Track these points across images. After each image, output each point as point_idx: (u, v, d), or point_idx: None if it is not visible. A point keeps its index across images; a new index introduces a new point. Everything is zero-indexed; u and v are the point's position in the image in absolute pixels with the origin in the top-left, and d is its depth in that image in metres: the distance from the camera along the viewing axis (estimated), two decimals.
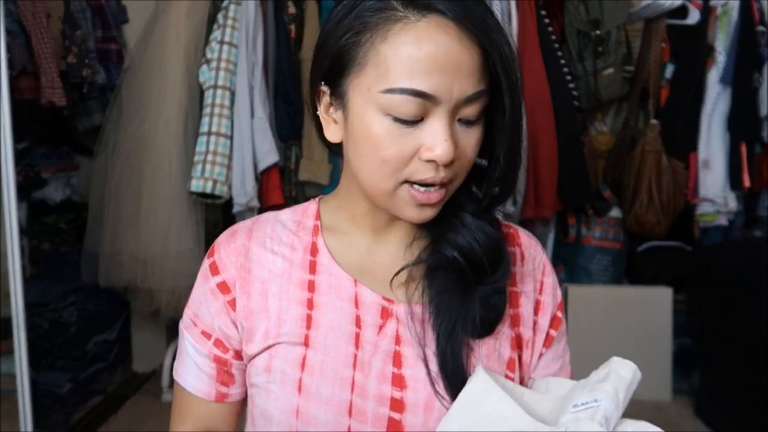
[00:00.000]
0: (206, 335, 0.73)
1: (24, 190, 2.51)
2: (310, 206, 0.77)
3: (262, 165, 2.17)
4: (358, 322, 0.68)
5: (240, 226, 0.76)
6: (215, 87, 2.13)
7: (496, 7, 2.27)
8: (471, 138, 0.64)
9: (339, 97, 0.67)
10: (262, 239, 0.74)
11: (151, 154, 2.19)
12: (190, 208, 2.19)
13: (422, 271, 0.69)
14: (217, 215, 2.32)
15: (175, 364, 0.77)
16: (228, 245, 0.74)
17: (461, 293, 0.67)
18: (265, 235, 0.74)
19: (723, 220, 2.70)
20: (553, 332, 0.75)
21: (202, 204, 2.21)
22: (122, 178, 2.23)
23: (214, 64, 2.15)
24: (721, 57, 2.61)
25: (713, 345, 2.49)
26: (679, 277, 2.74)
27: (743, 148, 2.63)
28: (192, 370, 0.74)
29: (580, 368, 0.71)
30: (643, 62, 2.68)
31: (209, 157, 2.11)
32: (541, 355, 0.75)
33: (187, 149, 2.18)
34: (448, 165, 0.63)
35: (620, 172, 2.70)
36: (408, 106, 0.61)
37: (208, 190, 2.10)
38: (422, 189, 0.64)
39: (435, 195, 0.64)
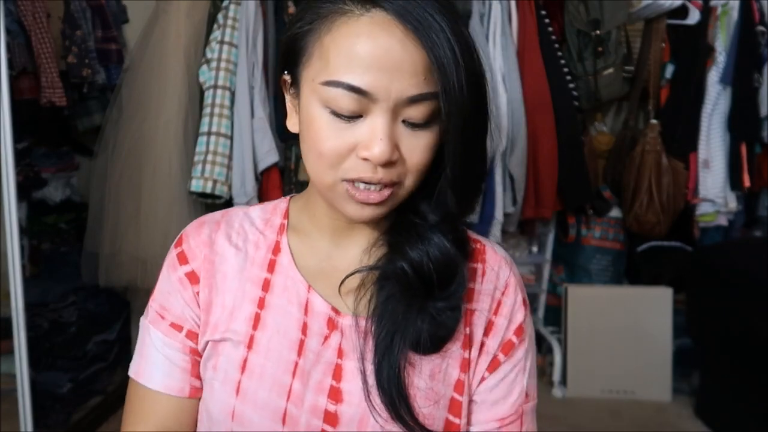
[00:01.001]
0: (176, 327, 0.71)
1: (24, 190, 2.51)
2: (281, 204, 0.76)
3: (262, 165, 2.17)
4: (304, 329, 0.68)
5: (208, 218, 0.75)
6: (215, 87, 2.13)
7: (496, 8, 2.27)
8: (418, 142, 0.62)
9: (296, 86, 0.66)
10: (229, 233, 0.73)
11: (151, 154, 2.19)
12: (190, 208, 2.19)
13: (373, 278, 0.67)
14: None
15: (134, 363, 0.73)
16: (197, 236, 0.73)
17: (405, 305, 0.64)
18: (232, 229, 0.73)
19: (723, 220, 2.70)
20: (501, 357, 0.70)
21: (202, 204, 2.21)
22: (122, 178, 2.23)
23: (214, 64, 2.15)
24: (721, 57, 2.61)
25: (713, 345, 2.49)
26: (679, 277, 2.74)
27: (743, 148, 2.64)
28: (161, 366, 0.71)
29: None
30: (643, 62, 2.68)
31: (209, 157, 2.11)
32: (483, 378, 0.70)
33: (187, 149, 2.18)
34: (387, 166, 0.61)
35: (620, 172, 2.70)
36: (344, 101, 0.59)
37: (208, 190, 2.10)
38: (362, 187, 0.62)
39: (376, 195, 0.62)
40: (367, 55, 0.58)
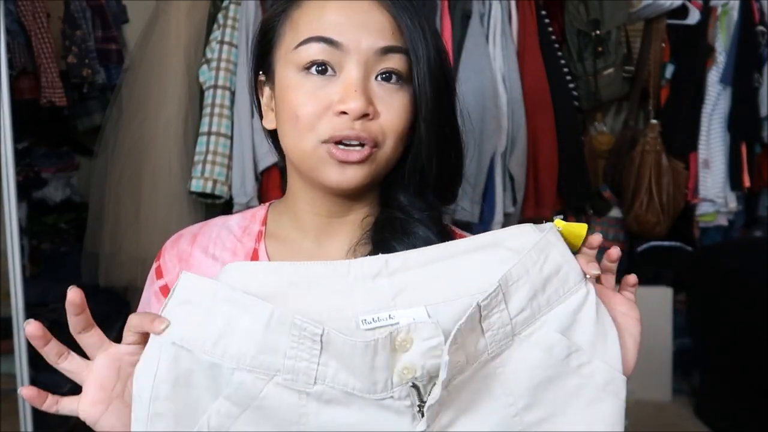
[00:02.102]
0: None
1: (24, 190, 2.51)
2: (259, 211, 0.76)
3: (262, 165, 2.17)
4: None
5: (186, 231, 0.76)
6: (215, 87, 2.13)
7: (496, 8, 2.27)
8: (393, 100, 0.63)
9: (270, 77, 0.69)
10: (206, 244, 0.73)
11: (151, 154, 2.19)
12: (190, 208, 2.19)
13: None
14: (217, 215, 2.32)
15: None
16: (171, 250, 0.74)
17: None
18: (209, 240, 0.74)
19: (723, 220, 2.70)
20: None
21: (202, 204, 2.21)
22: (122, 178, 2.23)
23: (214, 64, 2.15)
24: (721, 57, 2.62)
25: (713, 345, 2.49)
26: (679, 277, 2.74)
27: (743, 148, 2.64)
28: None
29: None
30: (643, 62, 2.68)
31: (209, 157, 2.11)
32: None
33: (187, 149, 2.18)
34: (364, 120, 0.62)
35: (620, 172, 2.70)
36: (318, 54, 0.62)
37: (208, 190, 2.10)
38: (342, 147, 0.63)
39: (355, 154, 0.62)
40: (335, 17, 0.62)
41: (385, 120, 0.63)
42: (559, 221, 0.61)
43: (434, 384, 0.53)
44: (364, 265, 0.57)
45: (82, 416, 0.58)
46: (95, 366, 0.59)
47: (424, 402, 0.53)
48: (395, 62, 0.63)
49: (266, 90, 0.71)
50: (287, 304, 0.54)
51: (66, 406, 0.59)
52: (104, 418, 0.57)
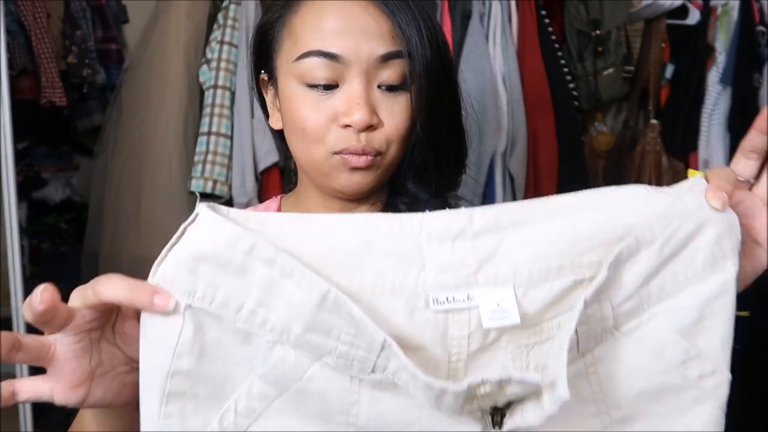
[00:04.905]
0: None
1: (24, 190, 2.51)
2: (272, 204, 0.77)
3: (262, 165, 2.17)
4: None
5: None
6: (215, 87, 2.13)
7: (496, 8, 2.27)
8: (395, 106, 0.64)
9: (273, 80, 0.69)
10: None
11: (151, 154, 2.19)
12: (190, 208, 2.19)
13: None
14: None
15: None
16: None
17: None
18: None
19: None
20: None
21: None
22: (122, 178, 2.23)
23: (214, 64, 2.15)
24: (721, 57, 2.61)
25: None
26: None
27: None
28: None
29: None
30: (643, 62, 2.68)
31: (209, 157, 2.11)
32: None
33: (187, 149, 2.18)
34: (369, 131, 0.63)
35: (620, 172, 2.70)
36: (319, 70, 0.62)
37: (208, 190, 2.10)
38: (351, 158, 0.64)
39: (364, 159, 0.64)
40: (334, 24, 0.62)
41: (389, 127, 0.64)
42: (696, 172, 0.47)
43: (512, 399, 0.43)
44: (442, 220, 0.45)
45: (62, 403, 0.49)
46: (61, 344, 0.47)
47: (497, 407, 0.44)
48: (395, 69, 0.63)
49: (270, 90, 0.71)
50: (337, 269, 0.44)
51: (32, 393, 0.47)
52: (90, 396, 0.50)
